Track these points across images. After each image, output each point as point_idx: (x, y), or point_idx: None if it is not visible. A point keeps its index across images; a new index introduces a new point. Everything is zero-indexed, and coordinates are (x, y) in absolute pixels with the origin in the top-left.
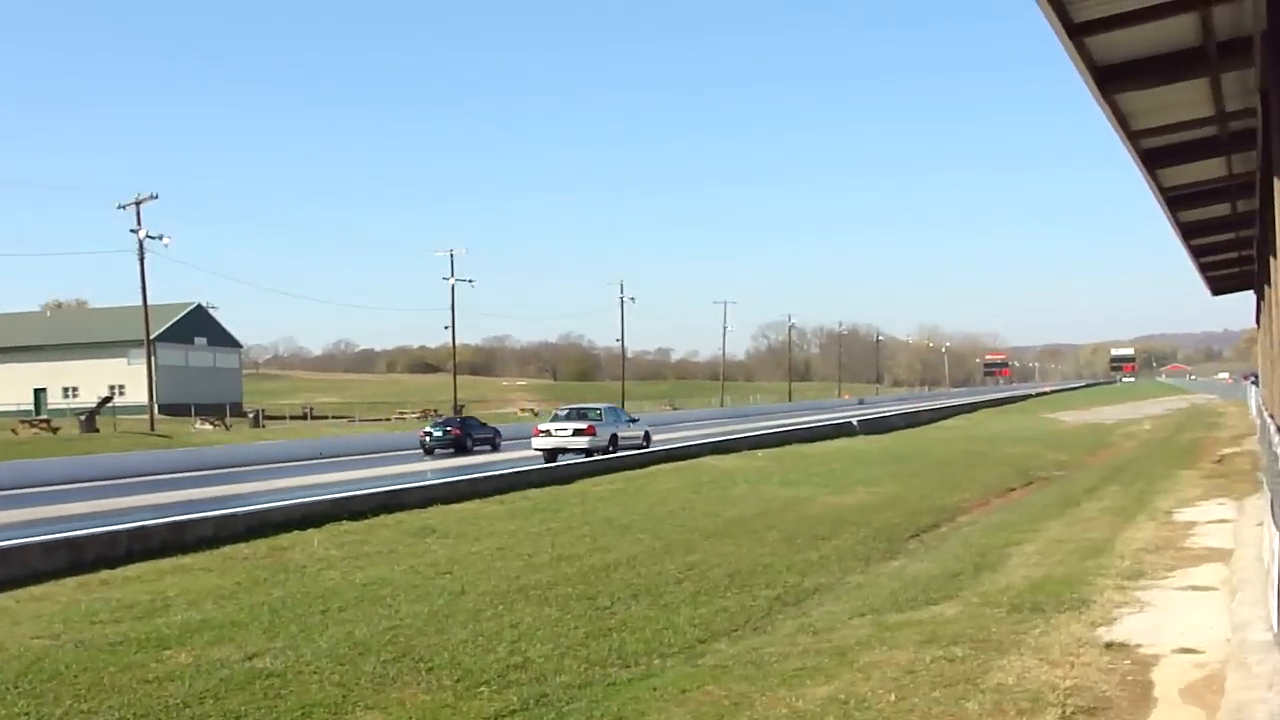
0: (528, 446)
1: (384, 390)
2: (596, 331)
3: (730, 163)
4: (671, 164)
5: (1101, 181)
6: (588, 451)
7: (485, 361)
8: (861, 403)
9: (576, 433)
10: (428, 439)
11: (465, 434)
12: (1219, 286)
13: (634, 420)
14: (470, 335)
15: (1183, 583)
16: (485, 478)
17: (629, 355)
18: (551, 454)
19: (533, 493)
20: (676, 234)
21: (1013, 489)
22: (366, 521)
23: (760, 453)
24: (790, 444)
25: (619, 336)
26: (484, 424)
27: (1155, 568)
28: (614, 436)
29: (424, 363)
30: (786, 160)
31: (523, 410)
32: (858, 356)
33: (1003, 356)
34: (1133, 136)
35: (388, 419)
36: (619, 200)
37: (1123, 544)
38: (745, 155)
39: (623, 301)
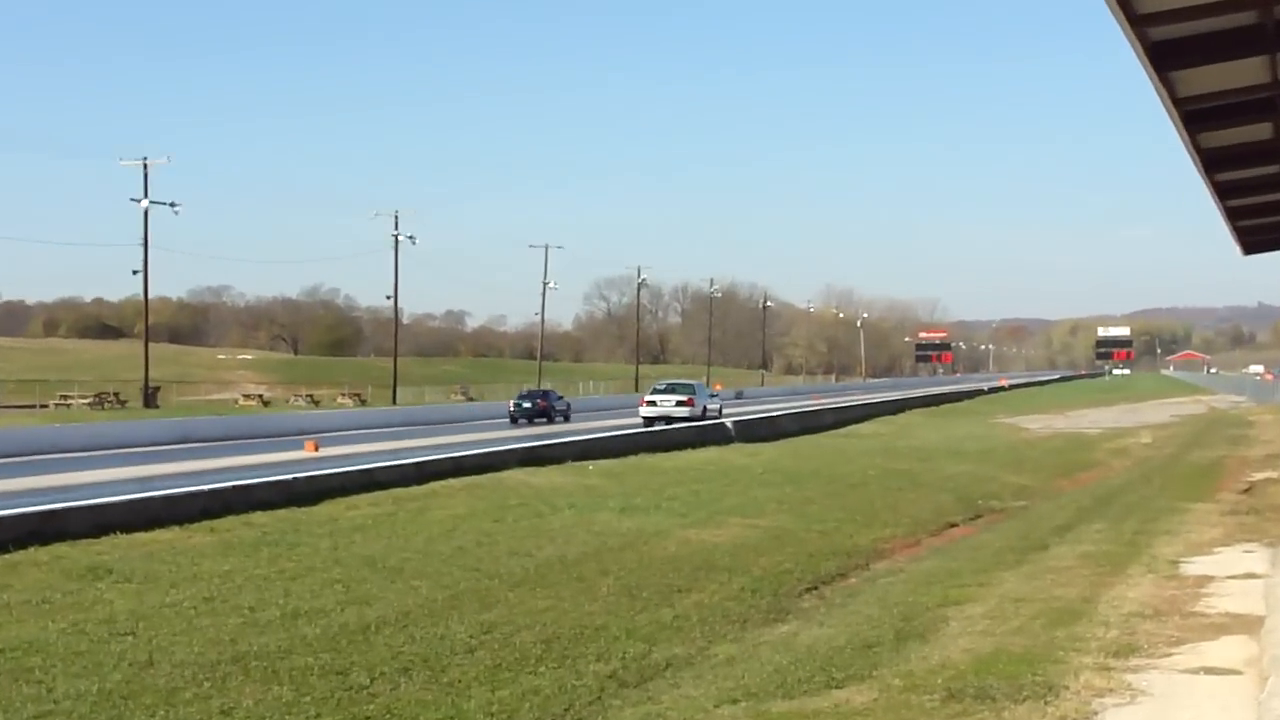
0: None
1: (40, 362)
2: (358, 285)
3: (561, 70)
4: (474, 69)
5: (1089, 95)
6: (689, 419)
7: (194, 324)
8: (740, 396)
9: (679, 403)
10: (515, 409)
11: (550, 405)
12: (1254, 242)
13: (714, 395)
14: (172, 286)
15: (1192, 663)
16: (190, 494)
17: (406, 320)
18: (653, 420)
19: (259, 517)
20: (482, 159)
21: (953, 524)
22: (7, 557)
23: (592, 465)
24: (636, 453)
25: (390, 293)
26: (560, 395)
27: (1153, 641)
28: (704, 409)
29: (101, 323)
30: (641, 72)
31: (246, 399)
32: (736, 330)
33: (943, 335)
34: (1137, 24)
35: (45, 405)
36: (395, 112)
37: (1108, 606)
38: (581, 61)
39: (397, 242)
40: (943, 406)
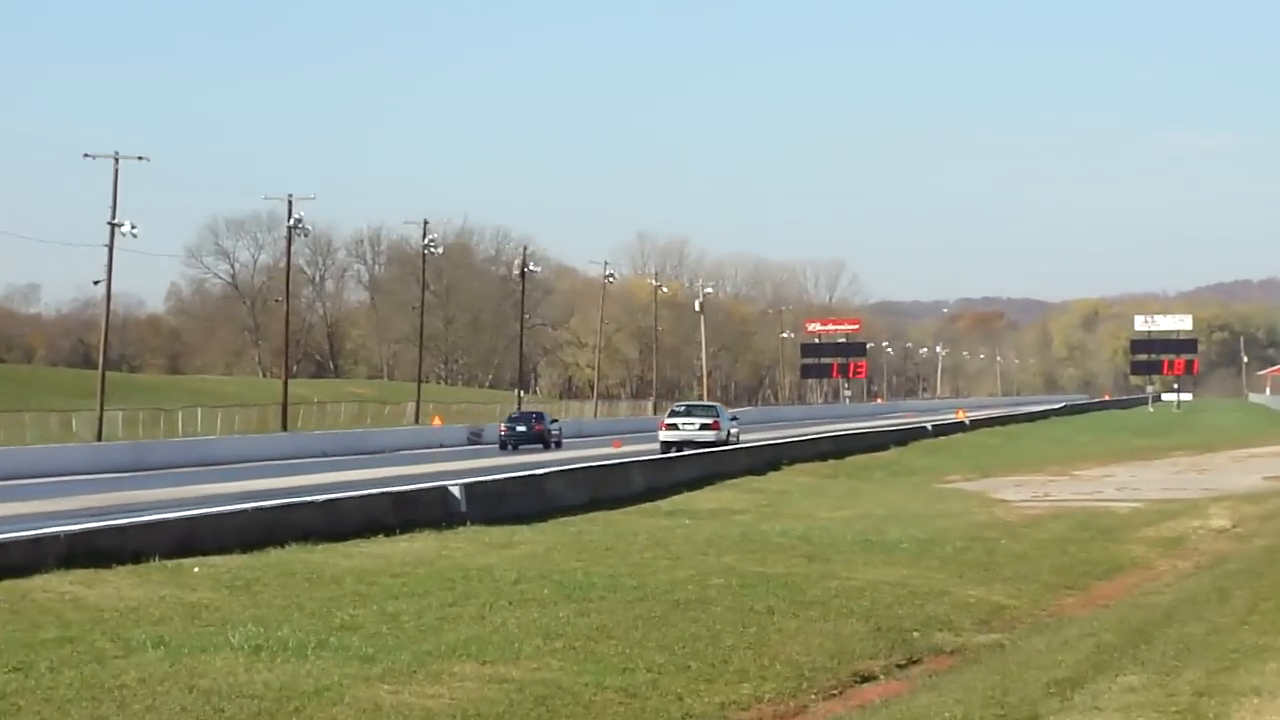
0: None
1: None
2: None
3: None
4: None
5: None
6: (714, 444)
7: None
8: (476, 438)
9: (703, 427)
10: (506, 433)
11: (545, 428)
12: None
13: (734, 418)
14: None
15: None
16: None
17: None
18: (674, 446)
19: None
20: None
21: (867, 677)
22: None
23: (200, 567)
24: (283, 543)
25: None
26: (555, 419)
27: None
28: (729, 434)
29: None
30: None
31: None
32: (472, 317)
33: (854, 327)
34: None
35: None
36: None
37: None
38: None
39: None
40: (850, 459)
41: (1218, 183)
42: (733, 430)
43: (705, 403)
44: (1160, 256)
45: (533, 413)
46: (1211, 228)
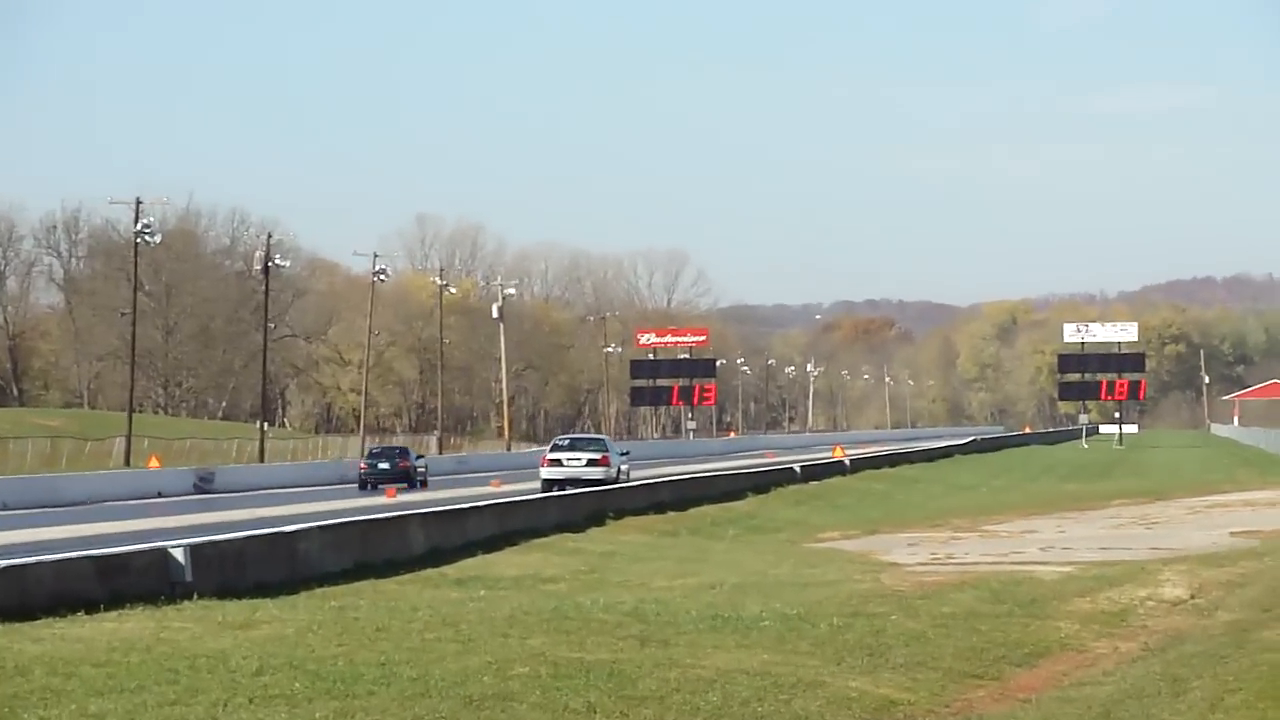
0: None
1: None
2: None
3: None
4: None
5: None
6: (602, 482)
7: None
8: (205, 484)
9: (591, 463)
10: (368, 470)
11: (411, 465)
12: None
13: (625, 453)
14: None
15: None
16: None
17: None
18: (557, 485)
19: None
20: None
21: None
22: None
23: None
24: None
25: None
26: (420, 454)
27: None
28: (620, 470)
29: None
30: None
31: None
32: (201, 325)
33: (699, 338)
34: None
35: None
36: None
37: None
38: None
39: None
40: (696, 510)
41: (1172, 153)
42: (623, 467)
43: (592, 435)
44: (1097, 247)
45: (396, 448)
46: (1164, 210)
